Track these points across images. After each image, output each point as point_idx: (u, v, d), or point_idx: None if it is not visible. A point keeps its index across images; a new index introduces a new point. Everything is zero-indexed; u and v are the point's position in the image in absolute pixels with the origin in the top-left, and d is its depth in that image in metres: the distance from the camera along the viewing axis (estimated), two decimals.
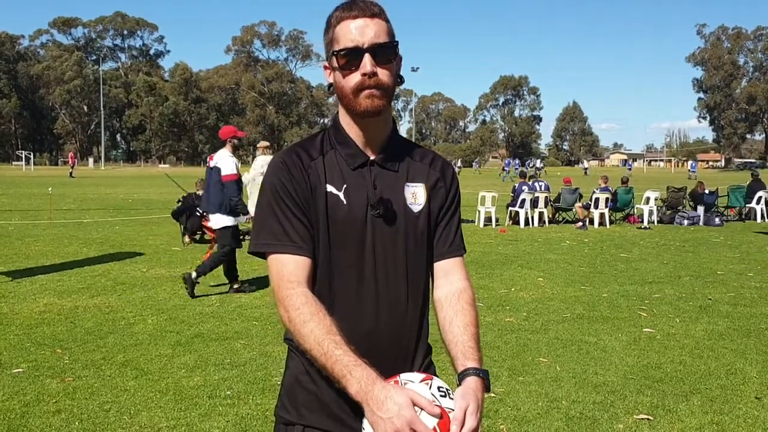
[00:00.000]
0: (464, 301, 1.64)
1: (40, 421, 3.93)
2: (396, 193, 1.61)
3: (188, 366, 4.99)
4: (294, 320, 1.47)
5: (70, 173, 47.04)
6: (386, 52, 1.54)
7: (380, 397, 1.33)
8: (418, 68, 72.82)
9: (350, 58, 1.52)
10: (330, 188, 1.58)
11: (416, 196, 1.64)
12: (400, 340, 1.61)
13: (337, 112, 1.66)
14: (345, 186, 1.58)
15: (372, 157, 1.62)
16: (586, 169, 63.38)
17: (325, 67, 1.63)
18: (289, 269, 1.53)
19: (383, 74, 1.53)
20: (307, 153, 1.61)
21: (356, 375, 1.37)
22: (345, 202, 1.57)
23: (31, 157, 70.41)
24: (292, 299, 1.49)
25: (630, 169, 61.22)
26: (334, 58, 1.55)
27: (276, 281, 1.54)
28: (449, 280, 1.68)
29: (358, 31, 1.52)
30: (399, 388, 1.36)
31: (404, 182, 1.64)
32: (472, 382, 1.48)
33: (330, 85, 1.61)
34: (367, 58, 1.51)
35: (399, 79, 1.60)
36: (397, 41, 1.58)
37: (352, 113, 1.59)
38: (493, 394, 4.42)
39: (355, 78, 1.53)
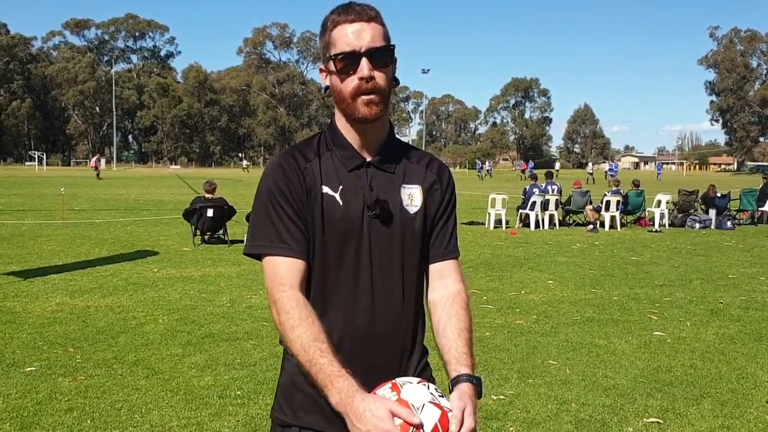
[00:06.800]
0: (458, 305, 1.64)
1: (53, 419, 3.97)
2: (392, 194, 1.62)
3: (199, 366, 5.02)
4: (283, 324, 1.49)
5: (97, 175, 47.78)
6: (383, 56, 1.55)
7: (359, 409, 1.34)
8: (428, 70, 72.86)
9: (347, 62, 1.53)
10: (326, 190, 1.58)
11: (412, 197, 1.64)
12: (395, 341, 1.62)
13: (333, 115, 1.67)
14: (341, 188, 1.59)
15: (368, 159, 1.62)
16: (590, 173, 47.94)
17: (321, 70, 1.64)
18: (282, 271, 1.54)
19: (380, 78, 1.54)
20: (303, 155, 1.62)
21: (338, 386, 1.38)
22: (341, 204, 1.57)
23: (44, 157, 71.03)
24: (282, 302, 1.50)
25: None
26: (331, 62, 1.55)
27: (269, 283, 1.55)
28: (444, 282, 1.68)
29: (354, 35, 1.52)
30: (379, 399, 1.37)
31: (400, 184, 1.64)
32: (465, 388, 1.49)
33: (326, 88, 1.62)
34: (364, 62, 1.52)
35: (395, 82, 1.61)
36: (394, 45, 1.58)
37: (349, 117, 1.59)
38: (502, 397, 4.42)
39: (352, 82, 1.53)
